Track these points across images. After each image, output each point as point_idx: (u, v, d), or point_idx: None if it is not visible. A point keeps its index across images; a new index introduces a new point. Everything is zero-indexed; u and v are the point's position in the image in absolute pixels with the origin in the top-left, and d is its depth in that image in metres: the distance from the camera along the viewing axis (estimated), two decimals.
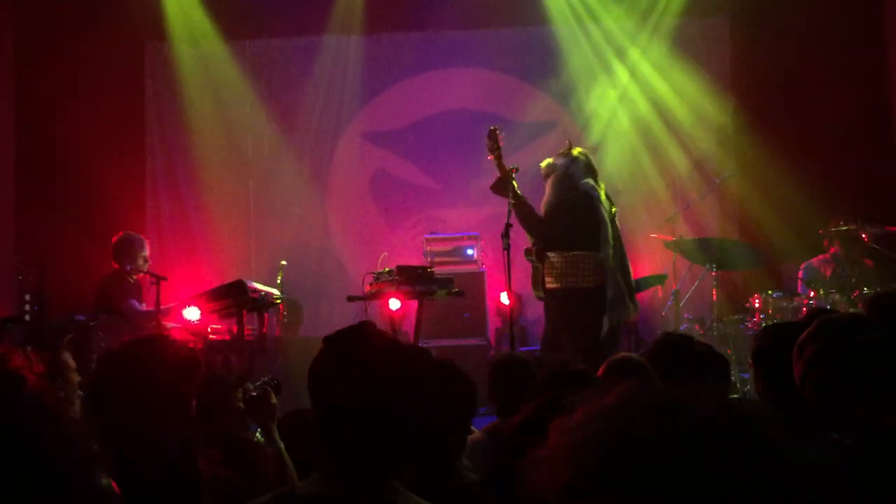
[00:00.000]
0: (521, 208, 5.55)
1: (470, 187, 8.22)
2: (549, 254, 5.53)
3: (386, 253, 6.52)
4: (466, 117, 8.61)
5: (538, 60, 8.69)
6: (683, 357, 3.28)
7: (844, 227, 6.57)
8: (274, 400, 3.08)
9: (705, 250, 6.73)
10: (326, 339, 1.90)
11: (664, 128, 8.56)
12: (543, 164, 5.80)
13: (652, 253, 8.02)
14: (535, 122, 8.68)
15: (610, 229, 5.51)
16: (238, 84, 8.72)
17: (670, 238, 7.13)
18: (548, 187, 5.70)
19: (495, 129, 5.56)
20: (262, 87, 8.75)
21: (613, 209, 5.72)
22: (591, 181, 5.58)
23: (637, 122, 8.63)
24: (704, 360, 3.24)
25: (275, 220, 8.68)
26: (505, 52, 8.71)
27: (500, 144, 5.54)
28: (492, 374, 3.70)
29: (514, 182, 5.53)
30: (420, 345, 6.33)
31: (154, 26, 8.52)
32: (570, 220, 5.39)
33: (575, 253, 5.41)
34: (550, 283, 5.53)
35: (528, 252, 5.79)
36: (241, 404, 3.05)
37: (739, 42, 8.50)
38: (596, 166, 5.78)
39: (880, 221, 6.55)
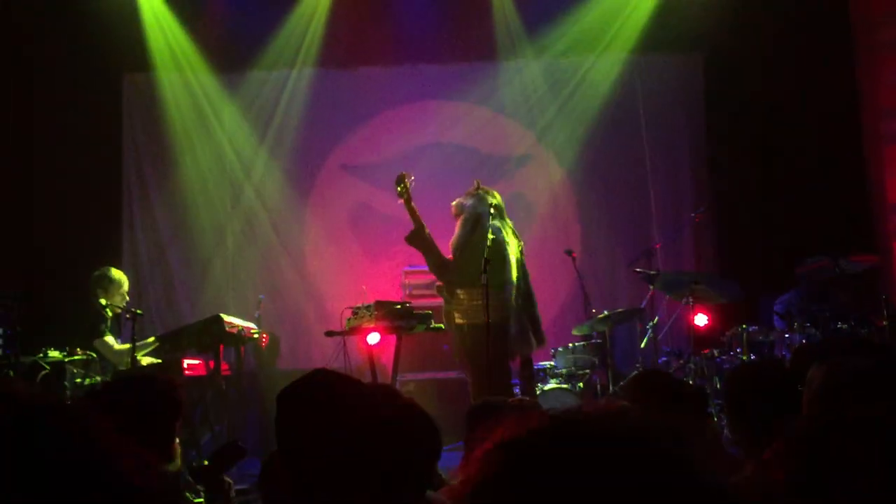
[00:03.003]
0: (429, 254, 5.80)
1: (450, 220, 8.25)
2: (457, 291, 5.75)
3: (365, 288, 6.52)
4: (447, 150, 8.67)
5: (513, 93, 8.79)
6: (660, 392, 3.30)
7: (817, 262, 6.65)
8: (226, 479, 2.84)
9: (682, 284, 6.78)
10: (279, 397, 1.92)
11: (640, 163, 8.66)
12: (454, 203, 6.01)
13: (630, 286, 8.08)
14: (511, 154, 8.77)
15: (514, 268, 5.70)
16: (217, 116, 8.72)
17: (647, 271, 7.17)
18: (457, 227, 5.88)
19: (404, 175, 5.73)
20: (241, 119, 8.76)
21: (520, 246, 5.89)
22: (497, 222, 5.75)
23: (613, 157, 8.73)
24: (681, 396, 3.26)
25: (253, 254, 8.64)
26: (484, 86, 8.80)
27: (410, 189, 5.68)
28: (467, 420, 3.69)
29: (424, 227, 5.76)
30: (399, 378, 6.33)
31: (133, 57, 8.52)
32: (477, 259, 5.49)
33: (480, 291, 5.52)
34: (458, 319, 5.75)
35: (439, 289, 5.99)
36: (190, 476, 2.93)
37: (713, 78, 8.64)
38: (503, 204, 5.94)
39: (852, 256, 6.64)
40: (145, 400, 2.44)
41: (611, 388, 6.94)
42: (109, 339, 6.31)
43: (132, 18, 8.42)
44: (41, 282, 7.72)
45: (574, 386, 6.91)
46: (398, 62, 8.81)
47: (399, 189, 5.75)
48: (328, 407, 1.87)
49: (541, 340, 5.88)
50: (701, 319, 6.69)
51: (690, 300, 6.65)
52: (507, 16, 8.67)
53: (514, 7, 8.66)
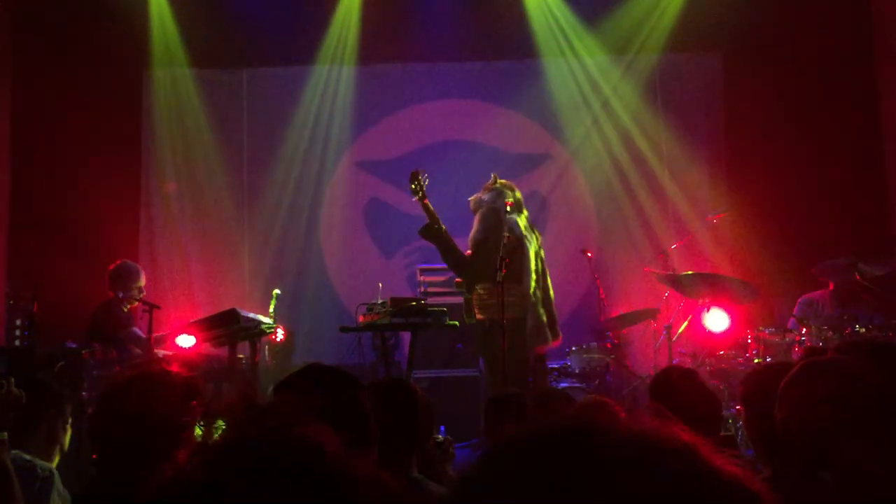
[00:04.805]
0: (447, 250, 5.81)
1: (466, 217, 8.26)
2: (476, 286, 5.76)
3: (381, 284, 6.52)
4: (461, 147, 8.68)
5: (530, 92, 8.77)
6: (675, 395, 3.29)
7: (834, 264, 6.60)
8: None
9: (698, 284, 6.74)
10: (274, 390, 2.04)
11: (658, 164, 8.63)
12: (471, 198, 6.02)
13: (645, 287, 8.04)
14: (527, 153, 8.76)
15: (533, 262, 5.68)
16: (234, 112, 8.75)
17: (664, 272, 7.15)
18: (475, 222, 5.86)
19: (417, 172, 5.70)
20: (257, 116, 8.79)
21: (538, 240, 5.86)
22: (515, 216, 5.73)
23: (631, 157, 8.70)
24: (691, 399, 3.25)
25: (269, 249, 8.67)
26: (502, 85, 8.79)
27: (424, 186, 5.67)
28: (486, 409, 3.70)
29: (440, 224, 5.76)
30: (414, 375, 6.34)
31: (152, 53, 8.57)
32: (496, 254, 5.48)
33: (499, 286, 5.49)
34: (479, 314, 5.79)
35: (458, 285, 6.02)
36: None
37: (732, 78, 8.59)
38: (521, 198, 5.90)
39: (873, 258, 6.58)
40: (162, 396, 2.45)
41: (625, 388, 6.92)
42: (135, 330, 6.35)
43: (150, 15, 8.46)
44: (59, 274, 7.76)
45: (589, 386, 6.89)
46: (417, 60, 8.82)
47: (413, 187, 5.75)
48: (316, 400, 1.90)
49: (556, 335, 5.88)
50: (717, 322, 6.63)
51: (707, 301, 6.62)
52: (525, 15, 8.65)
53: (528, 6, 8.64)
